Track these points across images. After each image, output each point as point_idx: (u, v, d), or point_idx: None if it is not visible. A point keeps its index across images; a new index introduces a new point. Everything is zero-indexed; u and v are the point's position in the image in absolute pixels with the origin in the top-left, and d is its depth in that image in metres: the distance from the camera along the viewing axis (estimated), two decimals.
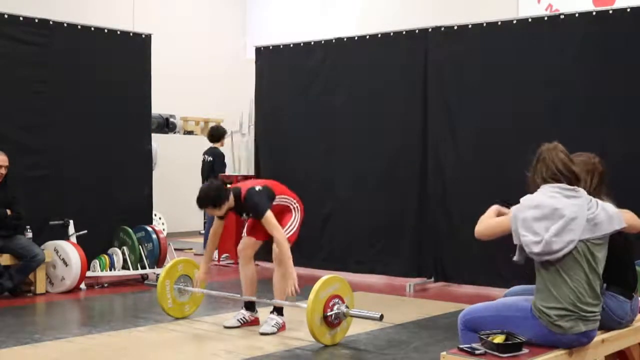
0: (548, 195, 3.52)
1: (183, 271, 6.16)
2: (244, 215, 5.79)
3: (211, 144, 10.02)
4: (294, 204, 5.82)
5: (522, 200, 3.57)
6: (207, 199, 5.50)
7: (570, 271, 3.45)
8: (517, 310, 3.55)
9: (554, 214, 3.47)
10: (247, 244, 5.81)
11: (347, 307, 5.31)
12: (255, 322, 5.86)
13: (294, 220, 5.75)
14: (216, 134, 10.02)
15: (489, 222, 3.70)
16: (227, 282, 7.91)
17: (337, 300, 5.28)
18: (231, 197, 5.58)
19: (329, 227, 8.50)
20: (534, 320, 3.48)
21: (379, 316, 5.33)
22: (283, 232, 5.49)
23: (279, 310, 5.70)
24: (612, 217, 3.57)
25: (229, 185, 5.91)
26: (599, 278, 3.54)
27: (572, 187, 3.57)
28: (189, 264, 6.24)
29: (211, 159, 9.76)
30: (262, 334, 5.55)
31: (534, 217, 3.47)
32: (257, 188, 5.63)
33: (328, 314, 5.21)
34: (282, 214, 5.71)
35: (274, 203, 5.64)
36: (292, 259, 5.46)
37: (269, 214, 5.48)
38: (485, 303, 3.75)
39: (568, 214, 3.48)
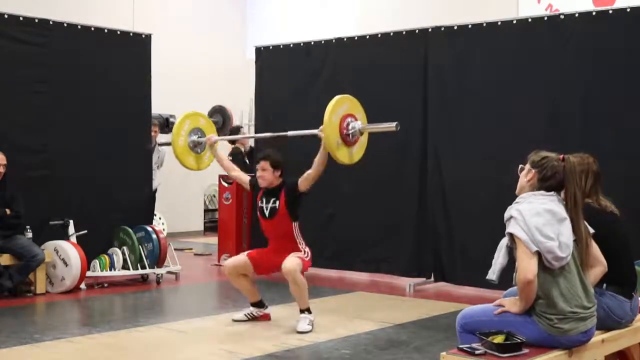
0: (539, 202, 3.50)
1: (191, 125, 6.31)
2: (269, 202, 5.81)
3: (234, 145, 10.22)
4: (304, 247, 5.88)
5: (518, 210, 3.47)
6: (273, 155, 5.76)
7: (569, 275, 3.45)
8: (516, 314, 3.52)
9: (554, 218, 3.46)
10: (239, 263, 5.87)
11: (360, 123, 5.50)
12: (265, 317, 6.01)
13: (305, 253, 5.81)
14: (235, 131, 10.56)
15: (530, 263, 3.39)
16: (227, 281, 7.90)
17: (350, 120, 5.48)
18: (281, 177, 5.77)
19: (331, 227, 8.50)
20: (533, 325, 3.47)
21: (394, 125, 5.50)
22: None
23: (307, 310, 5.79)
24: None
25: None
26: (587, 280, 3.55)
27: (549, 192, 3.58)
28: (194, 117, 6.40)
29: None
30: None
31: (543, 223, 3.42)
32: None
33: (345, 133, 5.42)
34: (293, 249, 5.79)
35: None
36: None
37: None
38: (483, 306, 3.72)
39: (565, 215, 3.49)
